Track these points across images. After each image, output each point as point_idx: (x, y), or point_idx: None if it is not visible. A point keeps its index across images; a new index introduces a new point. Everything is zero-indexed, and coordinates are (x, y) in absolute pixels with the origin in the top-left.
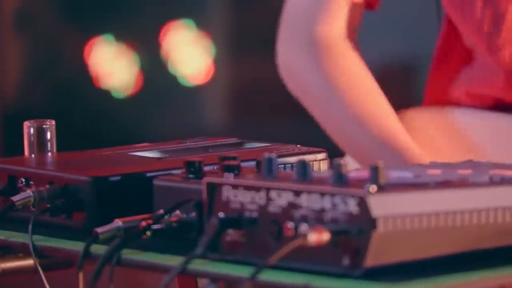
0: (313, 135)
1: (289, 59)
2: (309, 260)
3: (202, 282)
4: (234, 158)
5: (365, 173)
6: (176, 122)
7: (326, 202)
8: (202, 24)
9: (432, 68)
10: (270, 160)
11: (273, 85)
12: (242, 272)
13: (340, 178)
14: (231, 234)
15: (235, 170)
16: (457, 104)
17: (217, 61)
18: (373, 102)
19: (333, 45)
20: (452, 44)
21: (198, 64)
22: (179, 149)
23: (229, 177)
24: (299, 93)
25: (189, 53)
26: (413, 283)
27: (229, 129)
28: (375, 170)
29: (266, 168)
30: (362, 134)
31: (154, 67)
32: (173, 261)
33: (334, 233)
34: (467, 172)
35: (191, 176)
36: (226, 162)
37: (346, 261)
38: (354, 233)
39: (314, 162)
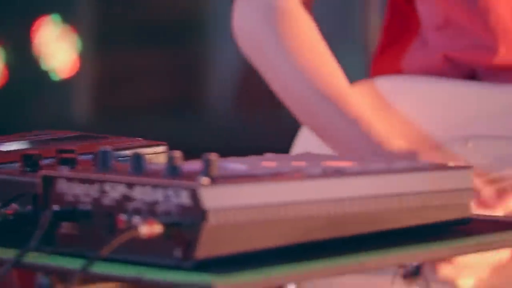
0: (179, 128)
1: (245, 22)
2: (142, 252)
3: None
4: (71, 151)
5: (198, 165)
6: (43, 115)
7: (159, 195)
8: (68, 18)
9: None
10: (105, 153)
11: (140, 78)
12: (75, 264)
13: (173, 170)
14: (66, 227)
15: (71, 163)
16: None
17: (83, 55)
18: (324, 63)
19: (289, 11)
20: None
21: (65, 58)
22: (22, 142)
23: (64, 170)
24: (253, 54)
25: (56, 48)
26: (243, 274)
27: (95, 122)
28: (207, 162)
29: (101, 161)
30: (310, 92)
31: (21, 62)
32: (9, 254)
33: (167, 225)
34: (301, 164)
35: (28, 169)
36: (62, 155)
37: (178, 253)
38: (186, 225)
39: (154, 155)
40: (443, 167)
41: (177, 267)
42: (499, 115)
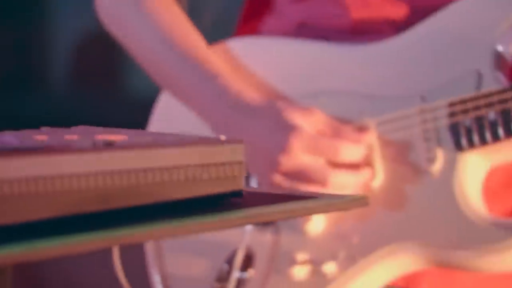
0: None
1: None
2: None
3: None
4: None
5: None
6: None
7: None
8: None
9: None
10: None
11: None
12: None
13: None
14: None
15: None
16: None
17: None
18: (180, 23)
19: None
20: None
21: None
22: None
23: None
24: (114, 26)
25: None
26: (8, 247)
27: None
28: None
29: None
30: (169, 53)
31: None
32: None
33: None
34: (73, 137)
35: None
36: None
37: None
38: None
39: None
40: (212, 141)
41: None
42: (347, 71)
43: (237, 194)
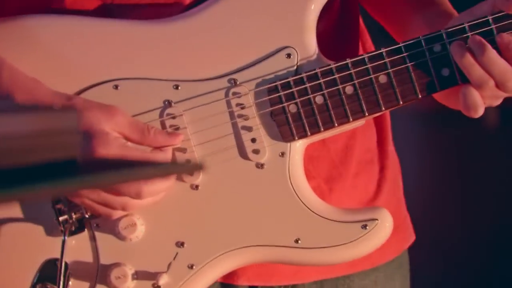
0: None
1: None
2: None
3: None
4: None
5: None
6: None
7: None
8: None
9: None
10: None
11: None
12: None
13: None
14: None
15: None
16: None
17: None
18: None
19: None
20: None
21: None
22: None
23: None
24: None
25: None
26: None
27: None
28: None
29: None
30: None
31: None
32: None
33: None
34: None
35: None
36: None
37: None
38: None
39: None
40: (45, 109)
41: None
42: (147, 55)
43: (70, 162)
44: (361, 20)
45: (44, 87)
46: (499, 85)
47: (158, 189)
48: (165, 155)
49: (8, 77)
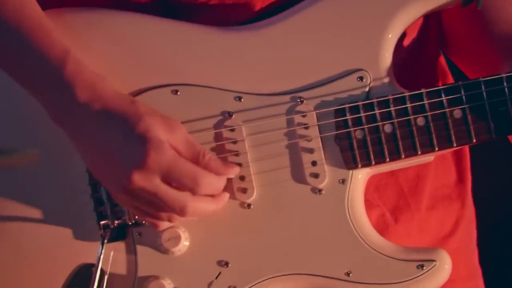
0: None
1: None
2: None
3: None
4: None
5: None
6: None
7: None
8: None
9: None
10: None
11: None
12: None
13: None
14: None
15: None
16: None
17: None
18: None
19: None
20: None
21: None
22: None
23: None
24: None
25: None
26: None
27: None
28: None
29: None
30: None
31: None
32: None
33: None
34: None
35: None
36: None
37: None
38: None
39: None
40: None
41: None
42: (211, 63)
43: None
44: (443, 59)
45: (107, 85)
46: None
47: (204, 209)
48: (218, 179)
49: (72, 70)
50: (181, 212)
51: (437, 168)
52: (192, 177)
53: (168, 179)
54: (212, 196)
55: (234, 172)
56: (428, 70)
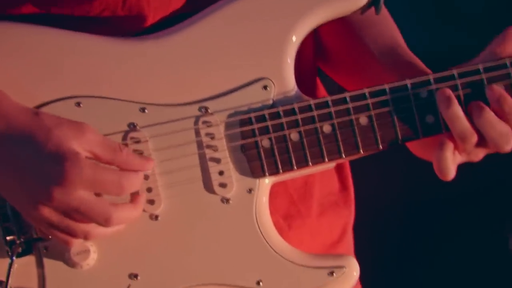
0: None
1: None
2: None
3: None
4: None
5: None
6: None
7: None
8: None
9: None
10: None
11: None
12: None
13: None
14: None
15: None
16: None
17: None
18: None
19: None
20: None
21: None
22: None
23: None
24: None
25: None
26: None
27: None
28: None
29: None
30: None
31: None
32: None
33: None
34: None
35: None
36: None
37: None
38: None
39: None
40: None
41: None
42: (117, 75)
43: None
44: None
45: (8, 99)
46: (494, 147)
47: (127, 216)
48: (138, 177)
49: None
50: (106, 222)
51: (322, 176)
52: (116, 182)
53: (91, 189)
54: (132, 201)
55: (151, 165)
56: (304, 82)
